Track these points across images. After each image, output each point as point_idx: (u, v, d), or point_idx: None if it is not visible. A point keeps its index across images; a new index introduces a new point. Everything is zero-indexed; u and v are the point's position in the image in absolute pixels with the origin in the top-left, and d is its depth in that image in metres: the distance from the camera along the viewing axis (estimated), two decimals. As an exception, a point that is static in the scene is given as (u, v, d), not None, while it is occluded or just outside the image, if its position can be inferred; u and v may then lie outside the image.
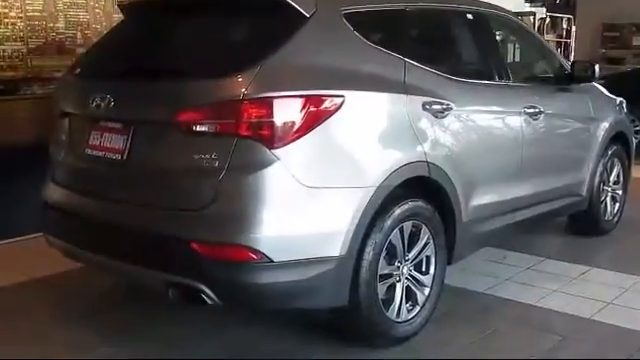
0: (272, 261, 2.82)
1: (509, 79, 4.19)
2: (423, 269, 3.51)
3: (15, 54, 5.26)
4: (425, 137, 3.38)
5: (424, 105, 3.41)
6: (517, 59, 4.66)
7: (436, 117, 3.47)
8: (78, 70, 3.53)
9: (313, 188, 2.90)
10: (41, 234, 5.21)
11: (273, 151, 2.81)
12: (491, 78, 4.09)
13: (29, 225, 5.10)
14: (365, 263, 3.10)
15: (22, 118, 5.31)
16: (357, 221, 3.01)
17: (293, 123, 2.85)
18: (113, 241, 3.12)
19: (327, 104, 2.95)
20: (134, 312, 3.76)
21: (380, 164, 3.13)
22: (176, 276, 2.91)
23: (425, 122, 3.41)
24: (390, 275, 3.30)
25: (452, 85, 3.66)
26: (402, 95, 3.31)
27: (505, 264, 4.68)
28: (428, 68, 3.53)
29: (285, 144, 2.83)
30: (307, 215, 2.90)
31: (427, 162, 3.35)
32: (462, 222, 3.67)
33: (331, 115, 2.95)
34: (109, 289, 4.13)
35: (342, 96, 3.00)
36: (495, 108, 4.02)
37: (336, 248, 2.97)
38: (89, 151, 3.26)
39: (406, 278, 3.40)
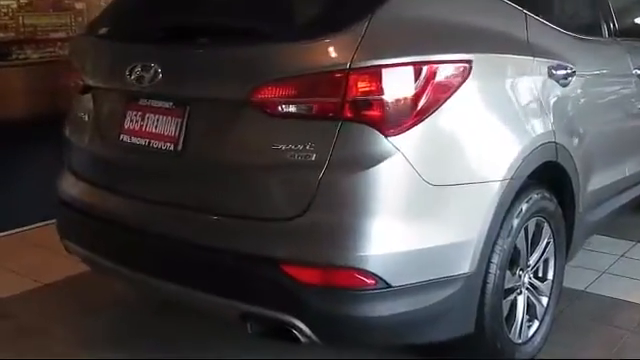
0: (390, 286, 2.11)
1: (617, 34, 3.46)
2: (540, 275, 2.84)
3: (4, 11, 4.40)
4: (552, 111, 2.66)
5: (550, 70, 2.68)
6: (616, 8, 3.91)
7: (560, 84, 2.75)
8: (103, 29, 2.70)
9: (439, 187, 2.17)
10: (44, 224, 4.61)
11: (391, 139, 2.07)
12: (600, 33, 3.37)
13: (29, 214, 4.40)
14: (491, 278, 2.39)
15: (16, 89, 4.48)
16: (488, 226, 2.31)
17: (415, 100, 2.11)
18: (163, 257, 2.38)
19: (453, 73, 2.21)
20: (175, 329, 3.03)
21: (512, 149, 2.40)
22: (258, 306, 2.19)
23: (551, 92, 2.69)
24: (512, 288, 2.62)
25: (572, 44, 2.94)
26: (529, 58, 2.57)
27: (593, 251, 4.01)
28: (548, 23, 2.80)
29: (406, 129, 2.09)
30: (433, 223, 2.18)
31: (555, 143, 2.64)
32: (579, 213, 2.99)
33: (458, 87, 2.21)
34: (137, 299, 3.39)
35: (469, 61, 2.25)
36: (611, 71, 3.31)
37: (465, 263, 2.26)
38: (125, 137, 2.48)
39: (526, 288, 2.72)
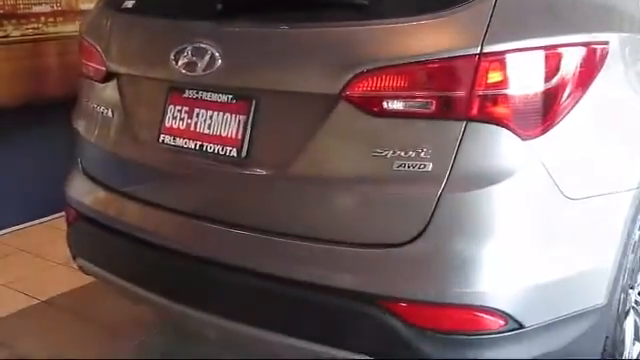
0: (522, 327, 1.69)
1: None
2: (640, 290, 2.46)
3: (-22, -20, 3.81)
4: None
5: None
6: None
7: None
8: (133, 1, 2.17)
9: (577, 201, 1.74)
10: (26, 225, 4.08)
11: (528, 143, 1.63)
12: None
13: (8, 215, 3.88)
14: (615, 304, 1.99)
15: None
16: (623, 244, 1.90)
17: (556, 93, 1.67)
18: (220, 289, 1.92)
19: (593, 58, 1.77)
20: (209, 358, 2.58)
21: None
22: (351, 352, 1.74)
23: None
24: (627, 311, 2.23)
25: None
26: (651, 37, 2.16)
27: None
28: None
29: (544, 130, 1.65)
30: (572, 246, 1.74)
31: None
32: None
33: (596, 75, 1.78)
34: (160, 320, 2.91)
35: (605, 43, 1.82)
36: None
37: (601, 291, 1.84)
38: (167, 138, 1.99)
39: (632, 308, 2.33)
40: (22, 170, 3.97)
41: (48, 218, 4.10)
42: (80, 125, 2.34)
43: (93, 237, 2.25)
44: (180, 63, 1.87)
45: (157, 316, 2.76)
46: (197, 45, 1.84)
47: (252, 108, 1.83)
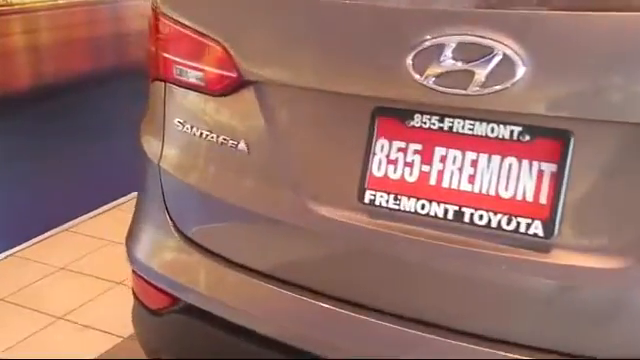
0: None
1: None
2: None
3: None
4: None
5: None
6: None
7: None
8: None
9: None
10: (7, 254, 3.11)
11: None
12: None
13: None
14: None
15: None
16: None
17: None
18: None
19: None
20: None
21: None
22: None
23: None
24: None
25: None
26: None
27: None
28: None
29: None
30: None
31: None
32: None
33: None
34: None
35: None
36: None
37: None
38: (380, 197, 1.16)
39: None
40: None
41: (28, 244, 3.16)
42: (167, 160, 1.47)
43: (193, 335, 1.42)
44: (430, 72, 1.06)
45: None
46: (473, 39, 1.04)
47: (570, 151, 1.05)
